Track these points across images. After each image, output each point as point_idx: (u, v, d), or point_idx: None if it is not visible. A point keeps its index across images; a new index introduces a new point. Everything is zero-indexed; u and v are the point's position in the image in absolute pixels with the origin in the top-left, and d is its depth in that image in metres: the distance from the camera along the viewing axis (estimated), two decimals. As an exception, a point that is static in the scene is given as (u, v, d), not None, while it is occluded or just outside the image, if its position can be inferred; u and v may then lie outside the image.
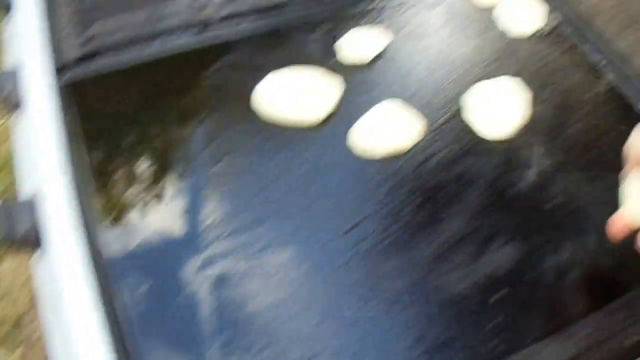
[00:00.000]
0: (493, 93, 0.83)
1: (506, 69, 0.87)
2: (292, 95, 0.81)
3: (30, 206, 0.69)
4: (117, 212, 0.72)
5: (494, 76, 0.86)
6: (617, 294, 0.66)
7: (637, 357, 0.65)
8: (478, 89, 0.83)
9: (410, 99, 0.82)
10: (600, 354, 0.64)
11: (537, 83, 0.86)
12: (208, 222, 0.70)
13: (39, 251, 0.69)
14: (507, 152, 0.78)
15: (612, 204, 0.65)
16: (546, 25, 0.94)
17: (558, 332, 0.63)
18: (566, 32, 0.93)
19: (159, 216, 0.72)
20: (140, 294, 0.64)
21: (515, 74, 0.86)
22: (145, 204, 0.73)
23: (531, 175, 0.76)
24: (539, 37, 0.93)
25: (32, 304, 1.44)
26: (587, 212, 0.73)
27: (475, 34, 0.93)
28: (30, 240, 0.68)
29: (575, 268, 0.68)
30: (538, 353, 0.62)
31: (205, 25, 0.91)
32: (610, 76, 0.87)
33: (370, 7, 0.96)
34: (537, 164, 0.77)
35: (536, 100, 0.83)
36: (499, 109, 0.81)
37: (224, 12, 0.93)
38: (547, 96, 0.85)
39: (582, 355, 0.62)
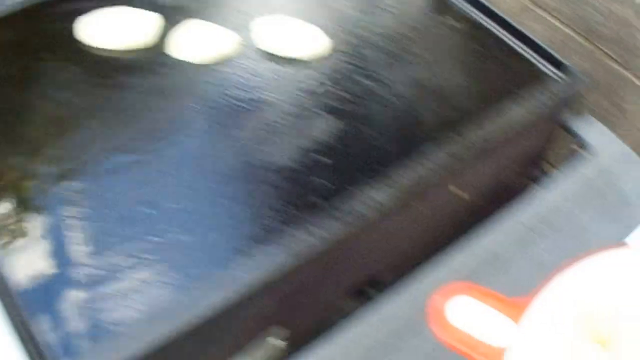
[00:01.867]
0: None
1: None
2: (117, 25, 0.86)
3: None
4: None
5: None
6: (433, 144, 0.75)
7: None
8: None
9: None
10: (420, 200, 0.74)
11: None
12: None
13: None
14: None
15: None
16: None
17: (377, 179, 0.71)
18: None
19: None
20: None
21: None
22: None
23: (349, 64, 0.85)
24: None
25: None
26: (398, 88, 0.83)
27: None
28: None
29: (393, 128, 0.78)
30: (356, 196, 0.69)
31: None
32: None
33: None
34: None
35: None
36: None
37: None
38: None
39: (403, 200, 0.70)
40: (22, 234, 0.68)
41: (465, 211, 0.83)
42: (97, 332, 0.59)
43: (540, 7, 1.16)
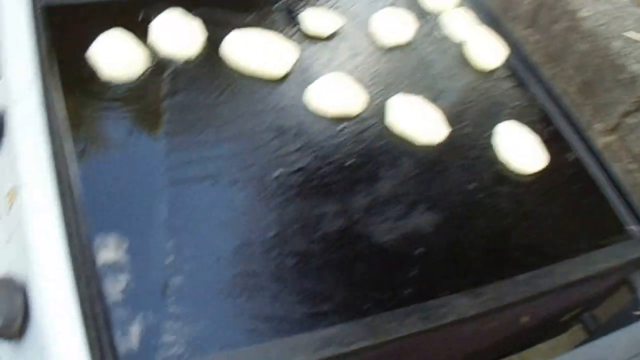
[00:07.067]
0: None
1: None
2: (257, 49, 0.90)
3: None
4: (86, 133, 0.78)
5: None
6: (522, 270, 0.79)
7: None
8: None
9: (354, 74, 0.94)
10: (495, 320, 0.77)
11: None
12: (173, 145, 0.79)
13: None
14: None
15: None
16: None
17: (465, 290, 0.74)
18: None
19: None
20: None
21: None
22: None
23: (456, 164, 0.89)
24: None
25: None
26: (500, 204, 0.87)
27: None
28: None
29: (487, 240, 0.82)
30: (443, 306, 0.72)
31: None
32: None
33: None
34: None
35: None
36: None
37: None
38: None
39: (481, 316, 0.73)
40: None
41: (520, 333, 0.87)
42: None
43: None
